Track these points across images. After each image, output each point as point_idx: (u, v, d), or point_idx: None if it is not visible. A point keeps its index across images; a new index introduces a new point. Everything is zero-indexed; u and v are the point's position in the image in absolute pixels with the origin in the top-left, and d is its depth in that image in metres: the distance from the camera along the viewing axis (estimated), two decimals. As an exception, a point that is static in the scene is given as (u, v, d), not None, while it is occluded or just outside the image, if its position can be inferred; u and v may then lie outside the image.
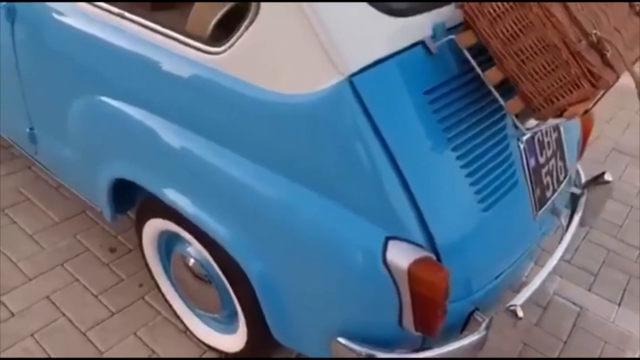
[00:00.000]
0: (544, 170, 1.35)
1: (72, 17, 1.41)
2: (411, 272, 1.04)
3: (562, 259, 1.48)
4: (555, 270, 1.48)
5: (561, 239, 1.46)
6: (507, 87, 1.10)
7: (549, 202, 1.38)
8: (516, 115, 1.18)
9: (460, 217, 1.12)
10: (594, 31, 1.01)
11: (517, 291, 1.31)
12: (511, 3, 1.02)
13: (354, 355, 1.13)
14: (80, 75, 1.41)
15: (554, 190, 1.40)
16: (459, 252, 1.11)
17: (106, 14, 1.33)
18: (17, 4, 1.50)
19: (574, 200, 1.64)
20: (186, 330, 1.64)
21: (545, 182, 1.36)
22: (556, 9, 0.99)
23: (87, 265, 1.86)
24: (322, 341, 1.17)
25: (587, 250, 2.21)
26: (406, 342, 1.15)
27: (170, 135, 1.25)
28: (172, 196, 1.28)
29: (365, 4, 1.06)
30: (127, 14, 1.29)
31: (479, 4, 1.06)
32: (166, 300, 1.65)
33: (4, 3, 1.52)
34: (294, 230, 1.14)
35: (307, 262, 1.15)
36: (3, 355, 1.54)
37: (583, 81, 0.99)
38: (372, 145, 1.04)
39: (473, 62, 1.09)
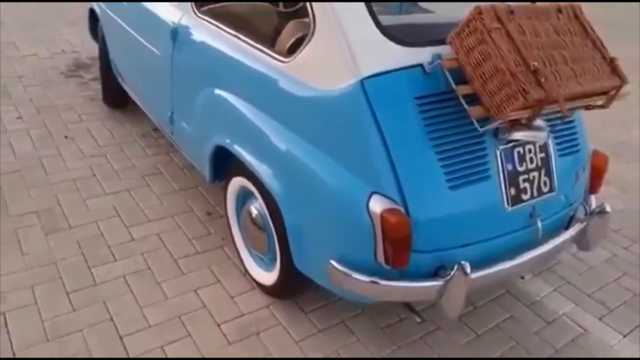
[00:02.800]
0: (521, 177, 1.71)
1: (204, 35, 2.14)
2: (382, 216, 1.49)
3: (534, 260, 1.79)
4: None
5: (537, 244, 1.77)
6: (473, 98, 1.53)
7: (525, 203, 1.72)
8: (496, 129, 1.61)
9: (429, 189, 1.56)
10: (534, 63, 1.42)
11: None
12: (479, 39, 1.48)
13: (339, 275, 1.59)
14: (205, 74, 2.11)
15: (532, 196, 1.74)
16: (425, 213, 1.54)
17: (224, 33, 2.03)
18: (179, 28, 2.28)
19: (570, 222, 1.95)
20: (245, 273, 2.20)
21: (522, 186, 1.71)
22: (505, 45, 1.44)
23: (189, 220, 2.52)
24: (322, 265, 1.65)
25: (612, 290, 2.38)
26: (383, 275, 1.58)
27: (252, 115, 1.87)
28: (249, 158, 1.87)
29: (383, 37, 1.60)
30: (237, 34, 1.97)
31: (460, 41, 1.53)
32: (236, 248, 2.23)
33: (172, 26, 2.31)
34: (316, 185, 1.66)
35: (320, 207, 1.65)
36: (119, 265, 2.20)
37: (519, 95, 1.41)
38: (370, 129, 1.54)
39: (450, 79, 1.55)
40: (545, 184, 1.79)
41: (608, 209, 1.97)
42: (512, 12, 1.52)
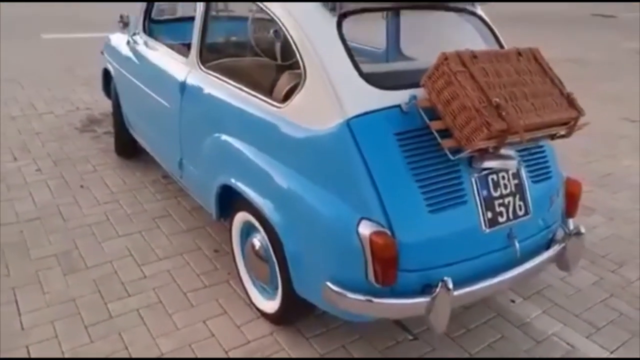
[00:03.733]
0: (497, 202, 1.90)
1: (205, 87, 2.39)
2: (371, 239, 1.67)
3: (517, 278, 1.95)
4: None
5: (517, 263, 1.93)
6: (446, 132, 1.74)
7: (502, 225, 1.89)
8: (470, 159, 1.81)
9: (411, 213, 1.74)
10: (495, 99, 1.64)
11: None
12: (447, 81, 1.70)
13: (334, 295, 1.74)
14: (211, 122, 2.34)
15: (509, 219, 1.91)
16: (408, 234, 1.72)
17: (227, 85, 2.27)
18: (187, 82, 2.53)
19: (549, 243, 2.11)
20: (250, 303, 2.34)
21: (498, 210, 1.89)
22: (469, 85, 1.66)
23: (197, 257, 2.70)
24: (319, 287, 1.81)
25: (599, 310, 2.50)
26: (374, 294, 1.73)
27: (254, 156, 2.08)
28: (252, 194, 2.07)
29: (365, 83, 1.84)
30: (239, 85, 2.22)
31: (431, 83, 1.76)
32: (241, 281, 2.39)
33: (180, 81, 2.56)
34: (311, 214, 1.84)
35: (315, 233, 1.83)
36: (132, 299, 2.36)
37: (483, 128, 1.61)
38: (357, 163, 1.75)
39: (424, 116, 1.76)
40: (520, 207, 1.97)
41: (583, 230, 2.13)
42: (475, 57, 1.75)
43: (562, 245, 2.12)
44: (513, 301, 2.52)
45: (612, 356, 2.21)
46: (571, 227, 2.19)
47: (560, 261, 2.15)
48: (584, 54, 9.40)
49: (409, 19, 2.84)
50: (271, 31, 2.17)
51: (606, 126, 5.36)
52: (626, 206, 3.60)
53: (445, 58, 1.71)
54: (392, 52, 2.94)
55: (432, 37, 2.44)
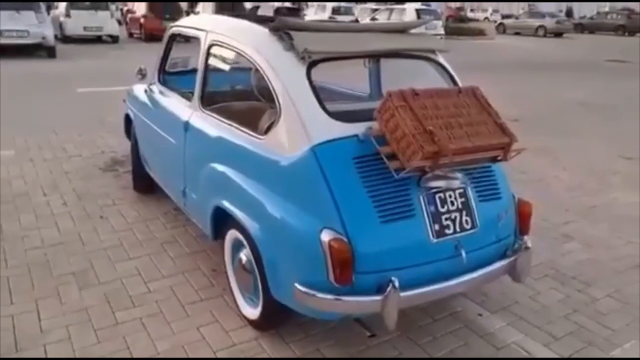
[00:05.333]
0: (444, 216, 2.19)
1: (204, 125, 2.80)
2: (329, 244, 1.99)
3: (466, 283, 2.21)
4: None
5: (465, 271, 2.21)
6: (393, 156, 2.07)
7: (449, 237, 2.18)
8: (419, 179, 2.14)
9: (365, 223, 2.06)
10: (429, 127, 1.98)
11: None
12: (391, 114, 2.05)
13: (303, 295, 2.05)
14: (207, 154, 2.72)
15: (455, 231, 2.20)
16: (363, 241, 2.03)
17: (221, 123, 2.68)
18: (190, 121, 2.95)
19: (502, 254, 2.38)
20: (239, 314, 2.64)
21: (445, 223, 2.19)
22: (408, 116, 2.00)
23: (196, 275, 3.03)
24: (290, 289, 2.11)
25: (561, 323, 2.71)
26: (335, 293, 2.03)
27: (239, 179, 2.44)
28: (236, 211, 2.41)
29: (329, 118, 2.21)
30: (230, 122, 2.61)
31: (380, 116, 2.11)
32: (232, 293, 2.70)
33: (184, 120, 2.98)
34: (283, 226, 2.18)
35: (286, 242, 2.16)
36: (137, 309, 2.69)
37: (419, 150, 1.94)
38: (320, 182, 2.09)
39: (374, 142, 2.10)
40: (467, 222, 2.26)
41: (529, 245, 2.40)
42: (416, 94, 2.11)
43: (513, 258, 2.39)
44: (480, 315, 2.75)
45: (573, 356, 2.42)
46: (522, 242, 2.45)
47: (512, 272, 2.41)
48: (591, 97, 9.68)
49: (387, 65, 3.23)
50: (255, 77, 2.58)
51: (601, 163, 5.59)
52: (605, 235, 3.80)
53: (389, 95, 2.07)
54: (374, 94, 3.32)
55: (406, 80, 2.81)
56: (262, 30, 2.55)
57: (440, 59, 2.78)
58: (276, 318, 2.45)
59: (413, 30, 2.91)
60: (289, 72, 2.34)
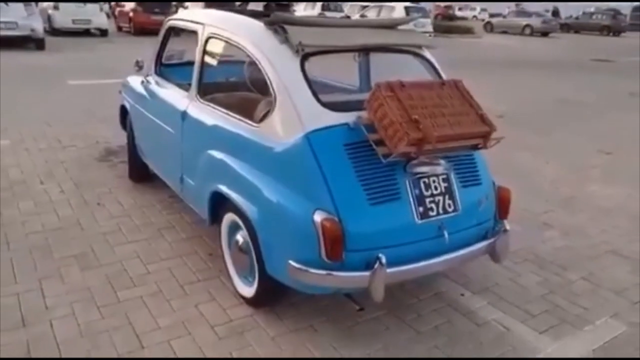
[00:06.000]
0: (428, 199, 2.36)
1: (201, 114, 2.93)
2: (322, 223, 2.14)
3: (448, 262, 2.39)
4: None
5: (448, 251, 2.37)
6: (381, 142, 2.23)
7: (433, 218, 2.35)
8: (405, 164, 2.30)
9: (355, 205, 2.21)
10: (415, 116, 2.13)
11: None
12: (380, 103, 2.21)
13: (297, 271, 2.20)
14: (205, 141, 2.86)
15: (439, 213, 2.37)
16: (353, 221, 2.18)
17: (218, 112, 2.81)
18: (187, 111, 3.07)
19: (482, 236, 2.55)
20: (235, 293, 2.78)
21: (429, 206, 2.35)
22: (395, 106, 2.16)
23: (194, 259, 3.16)
24: (285, 266, 2.26)
25: (538, 302, 2.89)
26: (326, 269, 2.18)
27: (236, 165, 2.58)
28: (234, 196, 2.55)
29: (322, 107, 2.35)
30: (227, 111, 2.75)
31: (370, 105, 2.26)
32: (228, 273, 2.84)
33: (182, 110, 3.11)
34: (278, 208, 2.32)
35: (281, 222, 2.31)
36: (138, 289, 2.82)
37: (404, 137, 2.10)
38: (313, 166, 2.24)
39: (364, 129, 2.26)
40: (449, 205, 2.42)
41: (507, 227, 2.58)
42: (403, 85, 2.26)
43: (492, 240, 2.56)
44: (462, 295, 2.92)
45: (540, 336, 2.60)
46: (501, 226, 2.63)
47: (492, 253, 2.59)
48: (575, 95, 9.94)
49: (376, 59, 3.38)
50: (250, 69, 2.72)
51: (581, 157, 5.81)
52: (583, 224, 4.00)
53: (378, 86, 2.23)
54: (364, 87, 3.48)
55: (394, 73, 2.97)
56: (258, 25, 2.69)
57: (427, 54, 2.94)
58: (270, 295, 2.60)
59: (401, 27, 3.07)
60: (284, 64, 2.48)
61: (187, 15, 3.51)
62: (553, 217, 4.08)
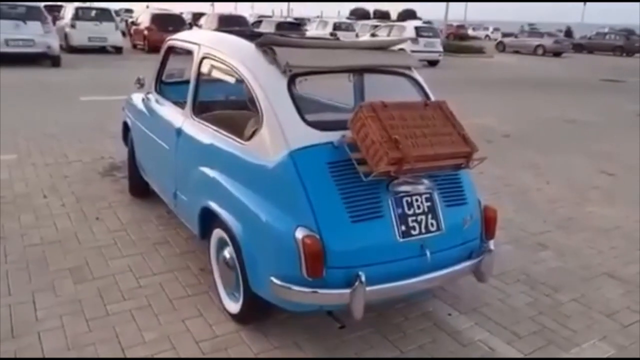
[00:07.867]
0: (410, 218, 2.38)
1: (194, 131, 3.00)
2: (303, 240, 2.17)
3: (431, 281, 2.40)
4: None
5: (430, 270, 2.39)
6: (363, 161, 2.27)
7: (415, 237, 2.36)
8: (388, 183, 2.33)
9: (336, 222, 2.24)
10: (395, 136, 2.17)
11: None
12: (362, 124, 2.25)
13: (278, 287, 2.23)
14: (196, 158, 2.92)
15: (421, 232, 2.39)
16: (334, 238, 2.21)
17: (210, 129, 2.88)
18: (182, 128, 3.15)
19: (467, 256, 2.56)
20: (223, 310, 2.81)
21: (411, 225, 2.37)
22: (376, 126, 2.20)
23: (185, 274, 3.20)
24: (267, 283, 2.29)
25: (526, 324, 2.87)
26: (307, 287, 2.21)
27: (224, 181, 2.63)
28: (222, 212, 2.60)
29: (307, 126, 2.41)
30: (218, 129, 2.81)
31: (353, 125, 2.31)
32: (216, 289, 2.88)
33: (177, 127, 3.19)
34: (262, 224, 2.36)
35: (264, 239, 2.34)
36: (127, 302, 2.86)
37: (384, 156, 2.14)
38: (296, 184, 2.28)
39: (347, 148, 2.30)
40: (432, 225, 2.44)
41: (492, 247, 2.58)
42: (385, 106, 2.31)
43: (477, 260, 2.57)
44: (450, 314, 2.92)
45: (529, 356, 2.58)
46: (486, 245, 2.64)
47: (477, 273, 2.59)
48: (582, 115, 9.91)
49: (371, 79, 3.44)
50: (241, 88, 2.79)
51: (583, 178, 5.78)
52: (579, 245, 3.97)
53: (360, 107, 2.28)
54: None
55: (387, 93, 3.02)
56: (248, 45, 2.77)
57: (415, 74, 2.99)
58: (256, 312, 2.62)
59: (393, 48, 3.13)
60: (271, 83, 2.54)
61: (185, 36, 3.61)
62: (549, 238, 4.06)
